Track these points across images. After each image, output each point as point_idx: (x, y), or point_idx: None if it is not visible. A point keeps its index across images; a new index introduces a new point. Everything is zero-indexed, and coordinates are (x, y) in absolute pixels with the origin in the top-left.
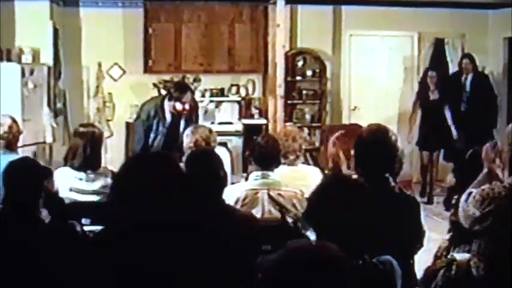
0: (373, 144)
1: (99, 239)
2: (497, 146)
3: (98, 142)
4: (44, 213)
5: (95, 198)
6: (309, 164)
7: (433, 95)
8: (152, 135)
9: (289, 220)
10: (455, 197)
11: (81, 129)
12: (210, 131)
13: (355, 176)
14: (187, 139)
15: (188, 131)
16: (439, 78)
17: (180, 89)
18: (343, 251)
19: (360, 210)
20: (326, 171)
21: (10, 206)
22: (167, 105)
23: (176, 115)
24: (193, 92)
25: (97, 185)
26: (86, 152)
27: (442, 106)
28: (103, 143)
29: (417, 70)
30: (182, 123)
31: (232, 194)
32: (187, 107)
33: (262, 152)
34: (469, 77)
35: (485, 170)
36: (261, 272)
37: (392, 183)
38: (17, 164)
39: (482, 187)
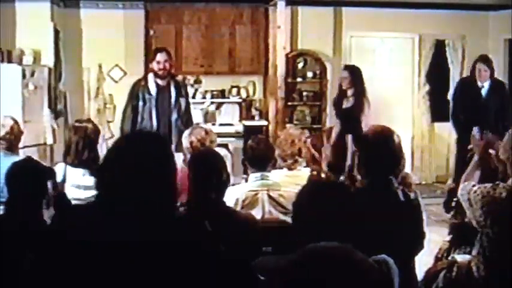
0: (378, 146)
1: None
2: (484, 136)
3: (92, 138)
4: (46, 214)
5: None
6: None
7: (347, 103)
8: (141, 104)
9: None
10: (455, 199)
11: (76, 124)
12: (207, 132)
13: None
14: (185, 140)
15: (186, 132)
16: (356, 80)
17: (155, 51)
18: None
19: (342, 212)
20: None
21: (13, 206)
22: (151, 77)
23: (161, 84)
24: (169, 54)
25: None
26: (78, 147)
27: (356, 118)
28: (98, 139)
29: (418, 72)
30: (173, 89)
31: (231, 196)
32: (167, 66)
33: (254, 154)
34: (486, 84)
35: (475, 158)
36: (277, 273)
37: (396, 185)
38: (21, 165)
39: (485, 184)
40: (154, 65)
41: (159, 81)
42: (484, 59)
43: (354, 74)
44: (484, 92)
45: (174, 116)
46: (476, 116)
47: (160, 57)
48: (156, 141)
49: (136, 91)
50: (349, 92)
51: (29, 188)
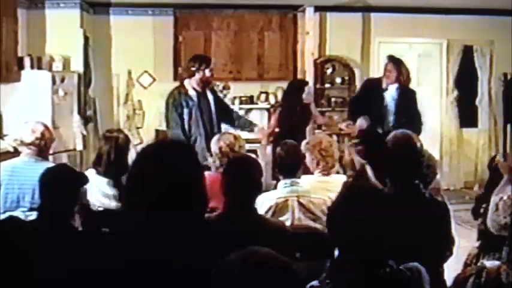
0: (399, 152)
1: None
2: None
3: (123, 148)
4: (78, 222)
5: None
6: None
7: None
8: (186, 111)
9: (319, 227)
10: (484, 206)
11: (107, 134)
12: (235, 137)
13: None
14: (214, 146)
15: (215, 138)
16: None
17: (202, 60)
18: (369, 259)
19: (380, 218)
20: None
21: (46, 213)
22: (188, 83)
23: (199, 91)
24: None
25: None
26: (109, 157)
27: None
28: (129, 148)
29: (446, 77)
30: (209, 94)
31: (263, 204)
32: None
33: (283, 162)
34: (392, 88)
35: (505, 177)
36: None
37: (423, 190)
38: (55, 172)
39: None
40: (207, 73)
41: (197, 88)
42: (392, 58)
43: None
44: (389, 94)
45: (216, 120)
46: None
47: (212, 65)
48: (181, 149)
49: (179, 99)
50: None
51: (62, 194)
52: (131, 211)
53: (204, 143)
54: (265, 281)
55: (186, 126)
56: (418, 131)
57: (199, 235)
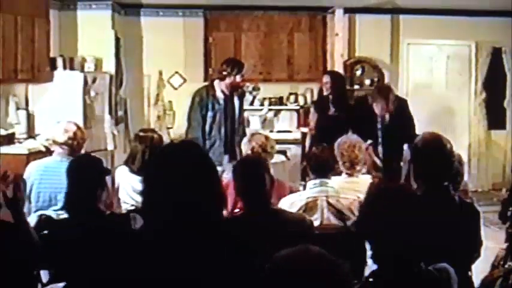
0: (429, 153)
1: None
2: None
3: (157, 147)
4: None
5: None
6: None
7: (332, 109)
8: (210, 114)
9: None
10: (511, 209)
11: (141, 133)
12: (267, 138)
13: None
14: (245, 147)
15: (245, 139)
16: (337, 85)
17: (235, 65)
18: (398, 259)
19: (412, 219)
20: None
21: (74, 199)
22: (218, 85)
23: (227, 94)
24: None
25: None
26: (144, 156)
27: (340, 125)
28: None
29: (475, 79)
30: (236, 99)
31: (293, 205)
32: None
33: (318, 161)
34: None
35: None
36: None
37: (452, 192)
38: (78, 160)
39: None
40: (237, 78)
41: (225, 90)
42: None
43: (335, 79)
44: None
45: (237, 125)
46: None
47: (244, 71)
48: (195, 149)
49: (206, 100)
50: (330, 98)
51: (87, 180)
52: (150, 212)
53: (222, 147)
54: (316, 278)
55: (208, 128)
56: None
57: (215, 236)
